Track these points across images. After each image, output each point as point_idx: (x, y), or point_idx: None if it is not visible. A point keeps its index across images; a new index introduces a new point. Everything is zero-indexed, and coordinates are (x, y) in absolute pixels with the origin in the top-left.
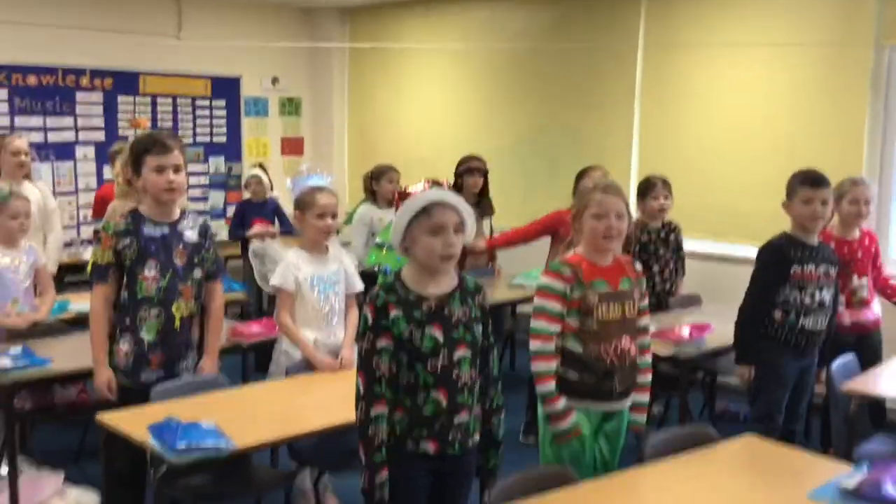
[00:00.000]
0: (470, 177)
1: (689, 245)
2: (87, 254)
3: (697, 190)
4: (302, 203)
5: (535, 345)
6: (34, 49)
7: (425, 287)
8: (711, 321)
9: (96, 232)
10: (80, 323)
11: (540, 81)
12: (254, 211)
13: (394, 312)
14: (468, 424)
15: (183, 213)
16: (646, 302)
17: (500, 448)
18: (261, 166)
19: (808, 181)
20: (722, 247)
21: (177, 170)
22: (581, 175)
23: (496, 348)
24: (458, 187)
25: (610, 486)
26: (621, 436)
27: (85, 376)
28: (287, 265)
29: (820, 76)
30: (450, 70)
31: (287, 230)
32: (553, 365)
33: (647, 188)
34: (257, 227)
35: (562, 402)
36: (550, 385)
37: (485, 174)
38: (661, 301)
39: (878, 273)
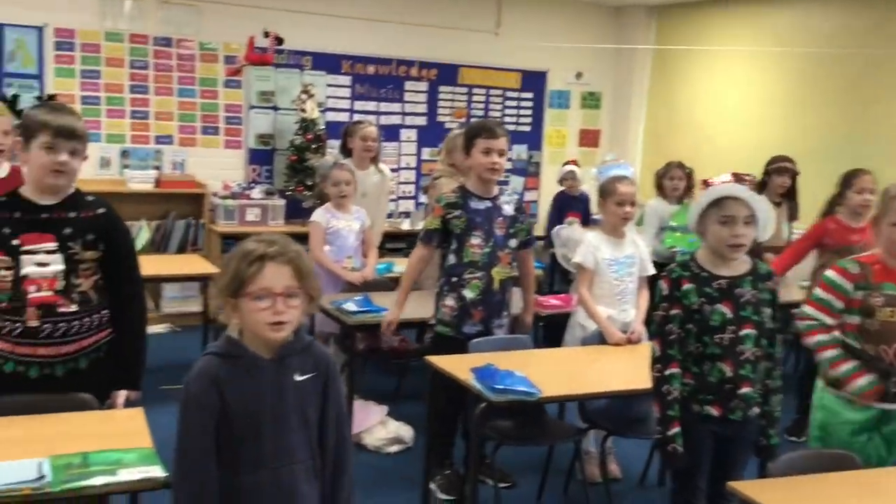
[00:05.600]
0: (778, 176)
1: None
2: (405, 224)
3: None
4: (604, 191)
5: (807, 327)
6: (374, 42)
7: (717, 268)
8: None
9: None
10: None
11: (851, 86)
12: (569, 203)
13: (686, 286)
14: (750, 396)
15: (500, 190)
16: None
17: (778, 426)
18: (574, 163)
19: None
20: None
21: (500, 154)
22: (849, 178)
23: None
24: (763, 185)
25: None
26: None
27: (407, 327)
28: (588, 245)
29: None
30: (753, 71)
31: (587, 222)
32: (830, 339)
33: None
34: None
35: (850, 364)
36: (832, 352)
37: (794, 176)
38: None
39: None
